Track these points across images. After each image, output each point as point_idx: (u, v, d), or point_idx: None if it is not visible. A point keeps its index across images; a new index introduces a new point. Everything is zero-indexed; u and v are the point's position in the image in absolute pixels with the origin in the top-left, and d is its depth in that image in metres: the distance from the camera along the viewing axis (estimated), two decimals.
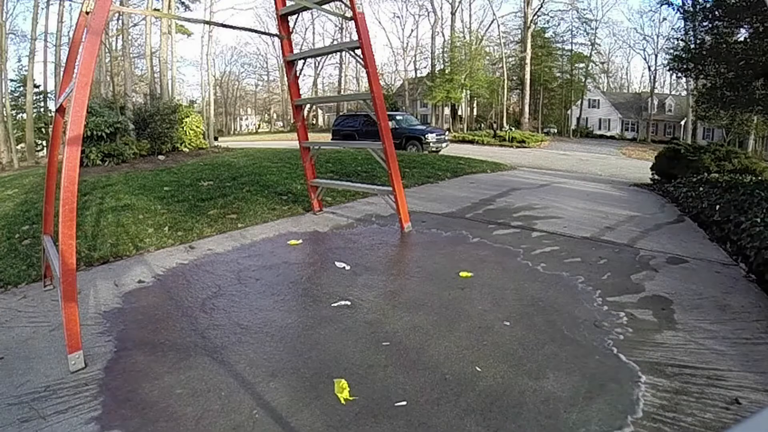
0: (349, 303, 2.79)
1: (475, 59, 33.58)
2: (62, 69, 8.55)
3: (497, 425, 1.69)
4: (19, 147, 22.18)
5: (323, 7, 4.52)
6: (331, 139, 16.49)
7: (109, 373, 2.09)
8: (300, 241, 4.15)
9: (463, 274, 3.24)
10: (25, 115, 24.00)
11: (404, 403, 1.82)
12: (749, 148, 24.25)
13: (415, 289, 3.04)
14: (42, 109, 26.74)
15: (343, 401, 1.85)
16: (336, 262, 3.55)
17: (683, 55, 9.01)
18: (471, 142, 25.85)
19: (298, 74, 5.18)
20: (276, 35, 5.23)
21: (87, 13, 2.47)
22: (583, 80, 40.30)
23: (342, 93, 43.93)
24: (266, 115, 60.18)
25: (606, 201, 6.44)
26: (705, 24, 8.32)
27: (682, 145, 10.02)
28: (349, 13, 4.19)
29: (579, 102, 40.44)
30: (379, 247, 3.97)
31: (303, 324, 2.54)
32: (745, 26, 7.72)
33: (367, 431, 1.67)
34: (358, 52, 4.27)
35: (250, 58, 63.78)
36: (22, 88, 25.58)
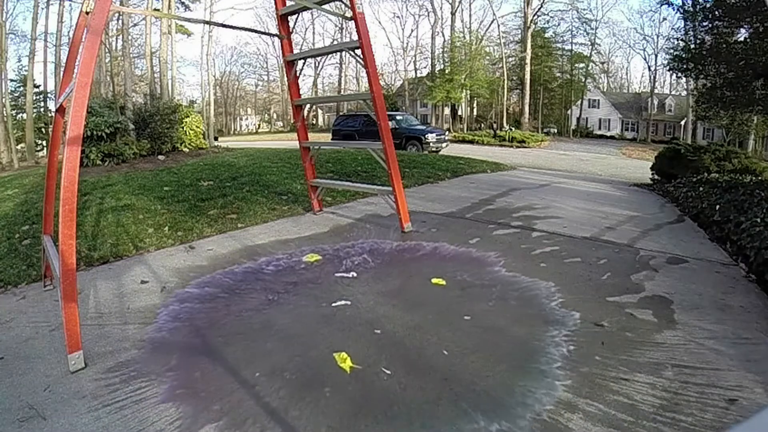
0: (349, 303, 2.79)
1: (475, 59, 33.55)
2: (62, 69, 8.54)
3: (497, 425, 1.69)
4: (19, 147, 22.16)
5: (323, 7, 4.52)
6: (331, 139, 16.48)
7: (109, 373, 2.09)
8: (320, 257, 3.68)
9: (435, 281, 3.12)
10: (25, 115, 23.97)
11: (389, 372, 1.82)
12: (749, 148, 24.21)
13: (416, 289, 3.04)
14: (42, 109, 26.72)
15: (348, 370, 2.03)
16: (335, 264, 3.55)
17: (683, 55, 9.00)
18: (471, 142, 25.83)
19: (298, 74, 5.18)
20: (276, 35, 5.23)
21: (87, 13, 2.47)
22: (583, 80, 40.24)
23: (342, 93, 43.91)
24: (266, 115, 60.16)
25: (606, 201, 6.44)
26: (705, 24, 8.31)
27: (682, 145, 10.02)
28: (349, 13, 4.19)
29: (579, 102, 40.38)
30: (378, 247, 3.97)
31: (303, 324, 2.54)
32: (745, 26, 7.71)
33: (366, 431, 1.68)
34: (358, 52, 4.27)
35: (250, 58, 63.73)
36: (22, 88, 25.55)
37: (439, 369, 2.05)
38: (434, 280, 3.12)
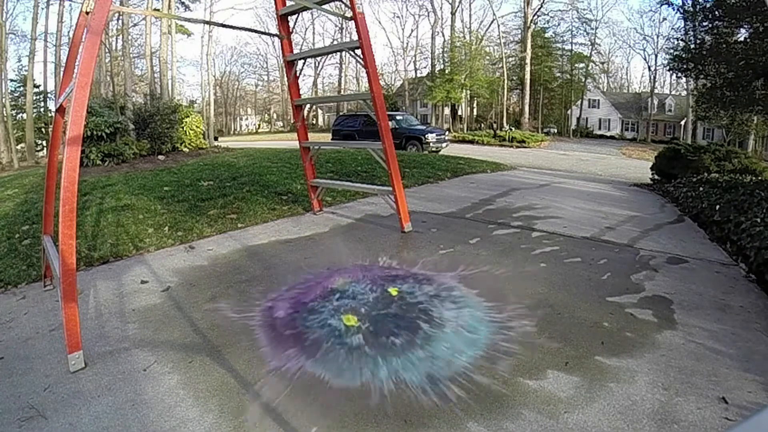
0: (350, 303, 2.79)
1: (475, 59, 33.53)
2: (62, 69, 8.54)
3: (497, 425, 1.69)
4: (19, 147, 22.19)
5: (323, 7, 4.52)
6: (331, 139, 16.47)
7: (110, 373, 2.09)
8: (349, 279, 3.26)
9: (391, 290, 2.98)
10: (25, 115, 23.99)
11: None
12: (749, 148, 24.23)
13: (415, 289, 3.04)
14: (42, 109, 26.73)
15: (355, 323, 2.42)
16: (335, 264, 3.55)
17: (683, 55, 9.00)
18: (471, 142, 25.82)
19: (298, 74, 5.18)
20: (276, 35, 5.23)
21: (87, 13, 2.47)
22: (583, 80, 40.24)
23: (342, 93, 43.91)
24: (266, 115, 60.14)
25: (606, 201, 6.44)
26: (705, 24, 8.31)
27: (682, 145, 10.02)
28: (349, 13, 4.19)
29: (579, 102, 40.39)
30: (378, 248, 3.97)
31: (303, 324, 2.54)
32: (745, 26, 7.72)
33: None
34: (358, 52, 4.27)
35: (250, 58, 63.84)
36: (22, 88, 25.57)
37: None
38: (391, 290, 3.01)
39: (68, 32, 20.49)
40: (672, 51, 10.71)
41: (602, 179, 10.75)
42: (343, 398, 1.87)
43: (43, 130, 24.75)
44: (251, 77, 58.23)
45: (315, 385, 1.96)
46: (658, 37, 35.80)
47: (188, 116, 12.84)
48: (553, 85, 40.49)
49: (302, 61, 5.83)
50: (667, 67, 11.31)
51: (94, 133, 9.68)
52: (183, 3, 22.43)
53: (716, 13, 7.85)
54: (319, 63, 47.41)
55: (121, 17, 15.72)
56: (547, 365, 2.08)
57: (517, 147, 24.36)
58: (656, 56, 36.41)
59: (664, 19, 35.17)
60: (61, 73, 4.81)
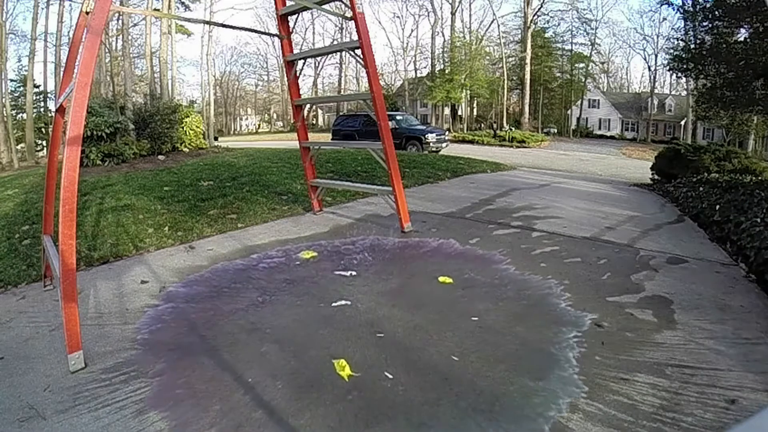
0: (349, 303, 2.79)
1: (475, 59, 33.54)
2: (62, 69, 8.54)
3: (498, 426, 1.69)
4: (19, 147, 22.18)
5: (323, 7, 4.52)
6: (331, 139, 16.48)
7: (108, 373, 2.09)
8: (315, 253, 3.75)
9: (442, 279, 3.14)
10: (25, 115, 23.99)
11: (391, 377, 1.82)
12: (749, 148, 24.23)
13: (416, 289, 3.04)
14: (42, 109, 26.73)
15: (347, 378, 1.99)
16: (336, 267, 3.55)
17: (683, 55, 8.99)
18: (471, 142, 25.82)
19: (298, 74, 5.18)
20: (276, 35, 5.23)
21: (87, 13, 2.47)
22: (583, 80, 40.24)
23: (342, 93, 43.90)
24: (266, 115, 60.14)
25: (606, 201, 6.44)
26: (705, 24, 8.30)
27: (682, 145, 10.02)
28: (349, 13, 4.19)
29: (579, 102, 40.38)
30: (378, 248, 3.97)
31: (303, 324, 2.54)
32: (745, 26, 7.70)
33: None
34: (358, 52, 4.27)
35: (250, 58, 63.93)
36: (22, 88, 25.56)
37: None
38: (441, 279, 3.13)
39: (68, 32, 20.48)
40: (672, 51, 10.70)
41: (602, 179, 10.75)
42: (344, 414, 1.86)
43: (43, 130, 24.73)
44: (251, 77, 58.28)
45: (317, 385, 1.96)
46: (658, 37, 35.81)
47: (188, 116, 12.85)
48: (553, 85, 40.49)
49: (302, 61, 5.83)
50: (667, 67, 11.30)
51: (94, 133, 9.69)
52: (183, 3, 22.41)
53: (716, 13, 7.84)
54: (319, 63, 47.44)
55: (121, 17, 15.71)
56: (548, 365, 2.08)
57: (517, 147, 24.36)
58: (656, 56, 36.43)
59: (664, 19, 35.19)
60: (61, 73, 4.81)
